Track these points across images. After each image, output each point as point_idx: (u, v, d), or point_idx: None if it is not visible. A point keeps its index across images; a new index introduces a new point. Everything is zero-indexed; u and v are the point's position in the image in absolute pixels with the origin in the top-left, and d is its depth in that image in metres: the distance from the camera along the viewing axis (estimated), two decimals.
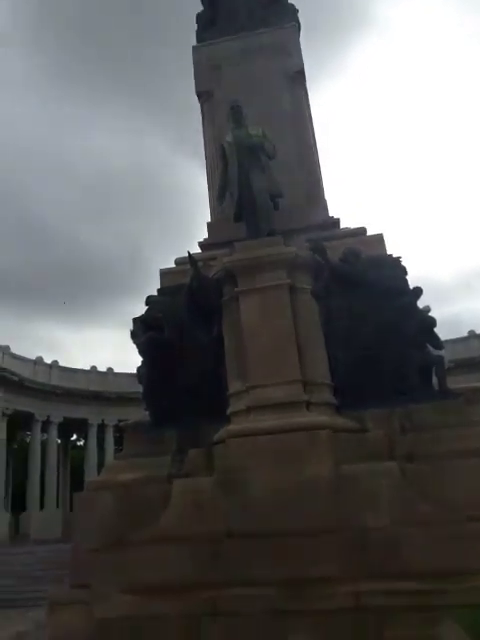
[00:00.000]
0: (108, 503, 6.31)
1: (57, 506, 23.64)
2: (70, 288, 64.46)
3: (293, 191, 8.04)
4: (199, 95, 9.97)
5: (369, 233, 7.73)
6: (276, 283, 6.54)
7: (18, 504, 23.32)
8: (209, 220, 8.99)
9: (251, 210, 7.33)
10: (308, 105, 9.57)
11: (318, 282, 6.78)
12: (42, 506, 22.83)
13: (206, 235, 8.81)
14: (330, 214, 8.51)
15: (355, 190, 76.25)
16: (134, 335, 7.80)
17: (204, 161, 9.64)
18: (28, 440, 25.47)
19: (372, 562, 4.89)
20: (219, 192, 8.04)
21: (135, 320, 7.80)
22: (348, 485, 5.34)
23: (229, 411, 6.39)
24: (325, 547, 5.02)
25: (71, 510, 22.54)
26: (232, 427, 6.13)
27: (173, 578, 5.15)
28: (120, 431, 22.00)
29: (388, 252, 7.29)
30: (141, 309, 7.77)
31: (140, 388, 7.64)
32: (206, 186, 9.26)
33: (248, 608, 4.74)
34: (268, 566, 4.99)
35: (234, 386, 6.48)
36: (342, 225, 8.31)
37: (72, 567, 6.51)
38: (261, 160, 7.65)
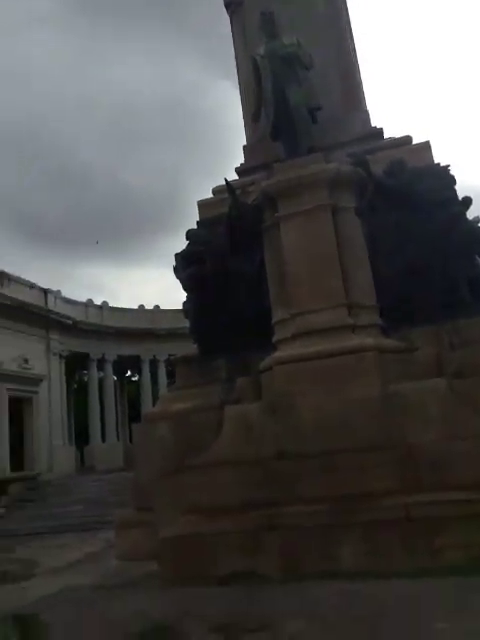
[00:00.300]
0: (165, 432, 6.56)
1: (117, 438, 25.03)
2: (110, 228, 65.07)
3: (333, 102, 7.48)
4: (227, 5, 9.25)
5: (415, 142, 7.17)
6: (317, 204, 6.24)
7: (82, 438, 24.88)
8: (245, 143, 8.56)
9: (288, 127, 6.91)
10: (345, 3, 8.71)
11: (362, 199, 6.42)
12: (104, 439, 24.23)
13: (243, 160, 8.42)
14: (372, 124, 7.90)
15: (398, 97, 71.26)
16: (177, 271, 7.76)
17: (237, 80, 9.07)
18: (86, 379, 26.69)
19: (421, 476, 4.94)
20: (254, 111, 7.59)
21: (177, 256, 7.74)
22: (396, 404, 5.32)
23: (274, 339, 6.35)
24: (375, 464, 5.08)
25: (131, 441, 23.97)
26: (278, 354, 6.11)
27: (229, 499, 5.35)
28: (171, 365, 22.76)
29: (435, 161, 6.78)
30: (183, 244, 7.68)
31: (187, 323, 7.69)
32: (240, 106, 8.74)
33: (301, 523, 4.90)
34: (319, 484, 5.11)
35: (278, 314, 6.40)
36: (386, 135, 7.72)
37: (135, 492, 6.90)
38: (297, 72, 7.13)
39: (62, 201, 63.09)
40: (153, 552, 5.64)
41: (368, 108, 8.25)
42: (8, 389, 18.65)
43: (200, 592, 4.70)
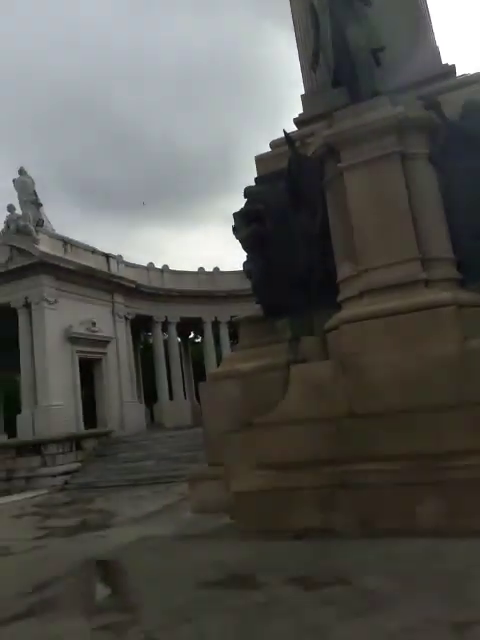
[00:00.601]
0: (232, 390, 6.64)
1: (184, 397, 25.81)
2: (165, 191, 65.27)
3: (397, 39, 6.94)
4: None
5: None
6: (384, 152, 5.90)
7: (151, 397, 25.87)
8: (303, 92, 8.16)
9: (350, 71, 6.51)
10: None
11: (434, 144, 5.99)
12: (171, 397, 25.06)
13: (302, 110, 8.05)
14: (443, 60, 7.29)
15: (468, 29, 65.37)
16: (236, 230, 7.66)
17: (293, 27, 8.59)
18: (151, 340, 27.46)
19: None
20: (312, 57, 7.21)
21: (235, 215, 7.63)
22: (476, 360, 5.05)
23: (340, 298, 6.20)
24: (452, 422, 4.90)
25: (197, 399, 24.68)
26: (344, 313, 5.97)
27: (300, 456, 5.38)
28: (233, 326, 23.02)
29: None
30: (239, 204, 7.56)
31: (246, 285, 7.65)
32: (297, 54, 8.30)
33: (375, 481, 4.86)
34: (393, 442, 5.02)
35: (344, 271, 6.21)
36: (459, 72, 7.12)
37: (206, 448, 7.09)
38: (357, 10, 6.65)
39: (118, 166, 63.86)
40: (226, 505, 5.82)
41: (437, 43, 7.63)
42: (78, 351, 19.50)
43: (274, 545, 4.81)
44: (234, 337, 24.54)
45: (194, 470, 7.43)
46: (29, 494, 13.74)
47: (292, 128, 7.78)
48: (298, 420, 5.60)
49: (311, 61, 7.30)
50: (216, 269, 27.15)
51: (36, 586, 4.70)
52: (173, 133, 66.11)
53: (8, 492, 14.45)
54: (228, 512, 5.83)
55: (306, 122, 7.64)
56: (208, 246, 67.33)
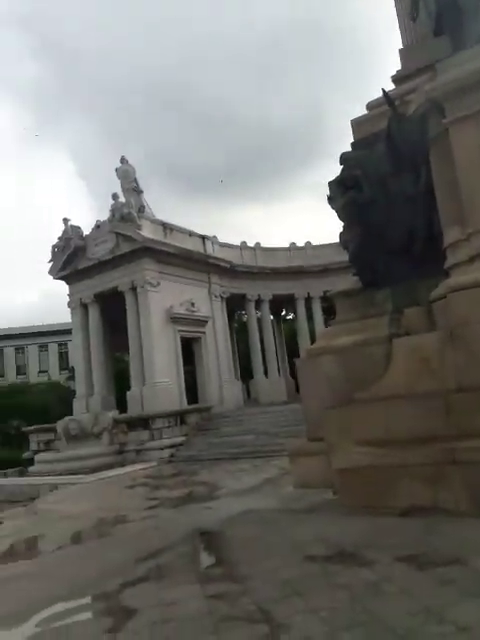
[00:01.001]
0: (330, 366, 6.50)
1: (279, 374, 25.92)
2: (251, 169, 65.07)
3: None
4: None
5: None
6: None
7: (246, 374, 26.28)
8: (401, 47, 7.60)
9: (454, 16, 5.94)
10: None
11: None
12: (266, 374, 25.29)
13: (399, 66, 7.51)
14: None
15: None
16: (331, 200, 7.37)
17: None
18: (245, 318, 27.75)
19: None
20: (411, 5, 6.67)
21: (331, 183, 7.33)
22: None
23: (447, 265, 5.78)
24: None
25: (291, 376, 24.66)
26: (453, 280, 5.56)
27: (404, 432, 5.17)
28: (327, 301, 22.56)
29: None
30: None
31: (339, 258, 7.37)
32: (394, 6, 7.72)
33: None
34: None
35: (451, 236, 5.78)
36: None
37: (307, 423, 7.03)
38: None
39: (205, 148, 64.64)
40: (327, 480, 5.75)
41: None
42: (179, 331, 20.26)
43: (380, 522, 4.68)
44: (327, 312, 24.08)
45: (294, 445, 7.40)
46: (139, 466, 14.60)
47: (390, 88, 7.30)
48: (402, 395, 5.36)
49: (410, 10, 6.78)
50: (308, 243, 26.64)
51: (151, 553, 4.97)
52: (258, 113, 65.54)
53: (121, 464, 15.49)
54: (330, 487, 5.76)
55: (405, 78, 7.12)
56: (296, 222, 66.51)
